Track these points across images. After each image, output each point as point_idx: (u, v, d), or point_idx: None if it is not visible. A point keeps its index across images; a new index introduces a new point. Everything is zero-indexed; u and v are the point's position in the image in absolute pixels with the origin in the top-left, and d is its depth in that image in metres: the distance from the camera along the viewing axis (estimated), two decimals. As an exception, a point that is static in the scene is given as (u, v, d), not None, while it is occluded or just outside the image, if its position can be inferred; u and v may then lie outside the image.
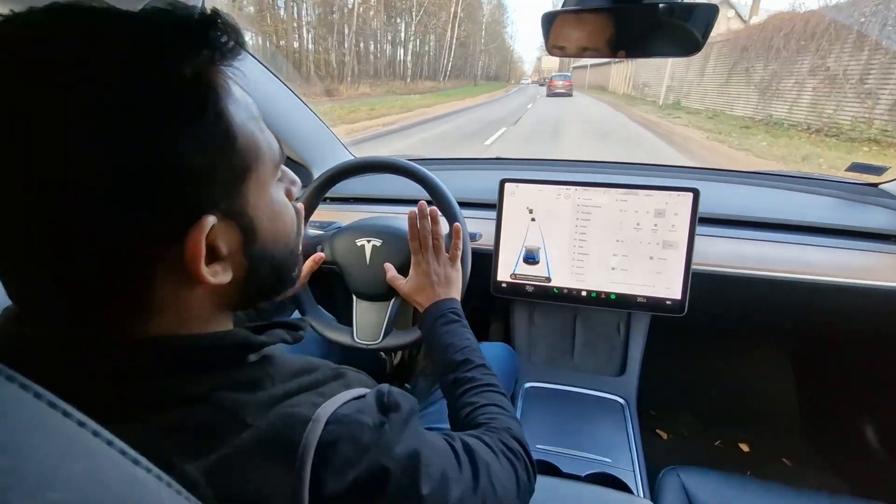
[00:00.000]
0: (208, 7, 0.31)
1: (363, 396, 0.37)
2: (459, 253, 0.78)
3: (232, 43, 0.31)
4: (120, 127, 0.26)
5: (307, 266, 0.81)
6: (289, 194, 0.40)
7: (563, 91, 22.82)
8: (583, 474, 0.82)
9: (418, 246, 0.76)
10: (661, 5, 0.57)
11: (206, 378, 0.33)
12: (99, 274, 0.29)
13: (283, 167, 0.39)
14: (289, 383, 0.36)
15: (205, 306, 0.34)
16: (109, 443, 0.20)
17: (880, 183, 1.08)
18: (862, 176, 1.07)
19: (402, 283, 0.77)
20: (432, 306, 0.70)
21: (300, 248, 0.43)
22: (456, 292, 0.74)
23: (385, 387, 0.38)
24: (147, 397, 0.31)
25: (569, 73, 27.99)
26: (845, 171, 1.06)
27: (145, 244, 0.29)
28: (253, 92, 0.35)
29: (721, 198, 1.08)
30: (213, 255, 0.32)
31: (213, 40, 0.30)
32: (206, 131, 0.29)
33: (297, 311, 0.89)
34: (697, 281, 0.93)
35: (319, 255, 0.83)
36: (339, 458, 0.31)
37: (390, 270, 0.80)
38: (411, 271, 0.77)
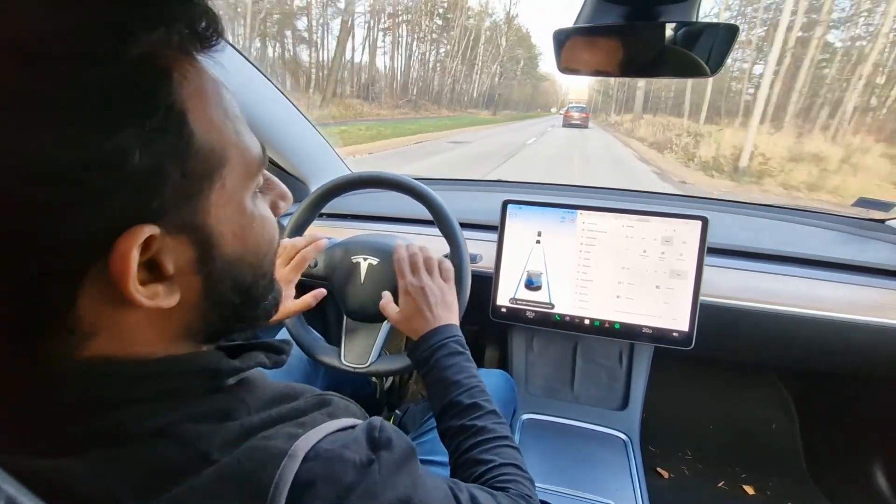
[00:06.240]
0: None
1: (351, 428, 0.32)
2: (452, 274, 0.73)
3: (203, 26, 0.26)
4: (31, 111, 0.21)
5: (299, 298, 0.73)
6: (275, 209, 0.35)
7: (578, 122, 24.39)
8: None
9: (407, 267, 0.71)
10: (675, 24, 0.56)
11: (164, 408, 0.28)
12: (8, 287, 0.24)
13: (275, 179, 0.35)
14: (266, 412, 0.32)
15: (149, 335, 0.29)
16: None
17: (887, 219, 1.07)
18: (868, 211, 1.06)
19: (394, 310, 0.70)
20: (431, 332, 0.63)
21: (275, 271, 0.37)
22: (455, 317, 0.69)
23: (377, 420, 0.34)
24: (92, 430, 0.26)
25: (585, 105, 29.23)
26: (852, 205, 1.05)
27: (63, 254, 0.24)
28: (250, 101, 0.32)
29: (728, 228, 1.06)
30: (156, 274, 0.27)
31: (173, 18, 0.25)
32: (151, 125, 0.24)
33: (284, 330, 0.84)
34: (703, 312, 0.89)
35: (320, 291, 0.75)
36: (315, 501, 0.27)
37: (386, 297, 0.74)
38: (401, 297, 0.70)
